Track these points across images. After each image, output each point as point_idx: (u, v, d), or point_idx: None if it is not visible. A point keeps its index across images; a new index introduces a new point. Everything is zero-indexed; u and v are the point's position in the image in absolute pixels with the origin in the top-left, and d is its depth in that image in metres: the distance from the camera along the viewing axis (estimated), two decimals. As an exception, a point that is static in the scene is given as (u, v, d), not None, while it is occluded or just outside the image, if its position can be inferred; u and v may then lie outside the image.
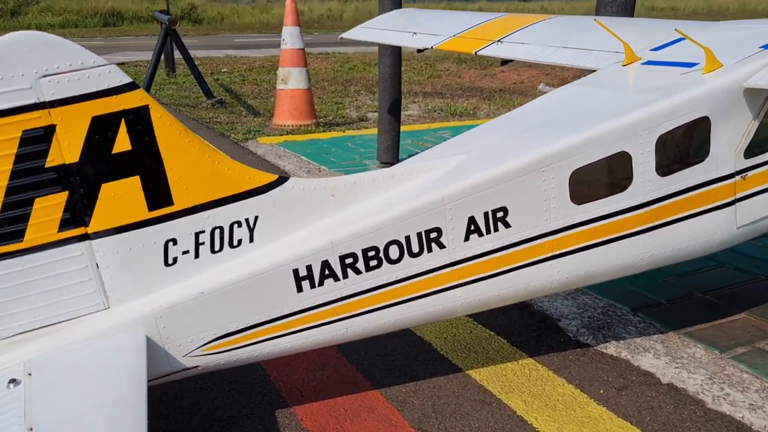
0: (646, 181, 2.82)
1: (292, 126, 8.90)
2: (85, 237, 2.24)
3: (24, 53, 2.04)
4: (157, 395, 2.82)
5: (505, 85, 13.05)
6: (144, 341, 2.31)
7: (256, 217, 2.46)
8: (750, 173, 2.98)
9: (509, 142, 2.87)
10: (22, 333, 2.25)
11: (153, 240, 2.33)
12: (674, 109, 2.82)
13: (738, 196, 2.98)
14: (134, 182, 2.25)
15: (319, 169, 6.93)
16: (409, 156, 3.27)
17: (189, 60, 11.00)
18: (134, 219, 2.29)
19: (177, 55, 12.67)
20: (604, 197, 2.80)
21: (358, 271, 2.55)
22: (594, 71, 3.57)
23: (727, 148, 2.92)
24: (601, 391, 3.01)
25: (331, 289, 2.54)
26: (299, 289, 2.50)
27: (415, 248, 2.60)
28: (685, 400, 2.94)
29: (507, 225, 2.68)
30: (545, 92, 3.45)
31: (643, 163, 2.80)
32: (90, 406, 2.03)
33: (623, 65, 3.42)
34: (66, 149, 2.14)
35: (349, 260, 2.53)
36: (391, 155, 6.86)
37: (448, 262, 2.65)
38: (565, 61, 3.91)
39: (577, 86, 3.34)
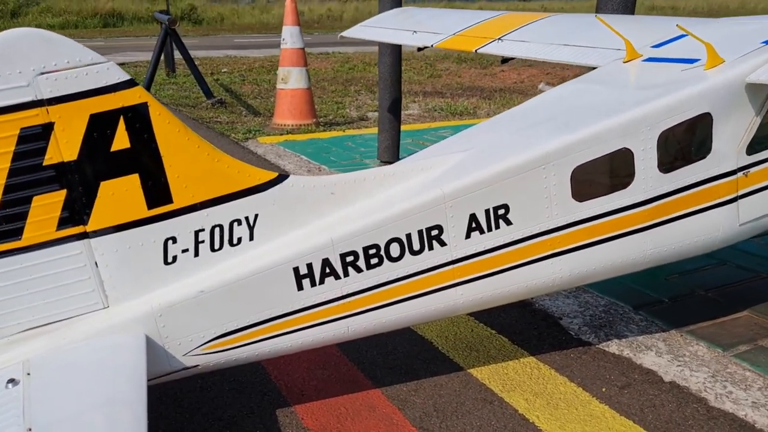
0: (647, 178, 2.80)
1: (293, 125, 8.89)
2: (83, 235, 2.23)
3: (21, 50, 2.03)
4: (157, 395, 2.81)
5: (506, 85, 13.03)
6: (143, 340, 2.30)
7: (256, 215, 2.45)
8: (752, 170, 2.96)
9: (510, 140, 2.86)
10: (20, 332, 2.23)
11: (152, 238, 2.32)
12: (676, 106, 2.80)
13: (740, 192, 2.96)
14: (133, 180, 2.24)
15: (320, 168, 6.92)
16: (409, 155, 3.26)
17: (189, 60, 10.98)
18: (133, 217, 2.27)
19: (177, 55, 12.65)
20: (606, 194, 2.78)
21: (359, 269, 2.54)
22: (595, 68, 3.56)
23: (729, 145, 2.90)
24: (603, 390, 3.00)
25: (331, 288, 2.52)
26: (300, 287, 2.48)
27: (416, 246, 2.58)
28: (688, 398, 2.93)
29: (508, 222, 2.67)
30: (545, 91, 3.43)
31: (645, 159, 2.78)
32: (89, 406, 2.02)
33: (624, 62, 3.40)
34: (64, 147, 2.13)
35: (349, 258, 2.52)
36: (391, 154, 6.86)
37: (449, 259, 2.64)
38: (566, 59, 3.89)
39: (578, 83, 3.33)
